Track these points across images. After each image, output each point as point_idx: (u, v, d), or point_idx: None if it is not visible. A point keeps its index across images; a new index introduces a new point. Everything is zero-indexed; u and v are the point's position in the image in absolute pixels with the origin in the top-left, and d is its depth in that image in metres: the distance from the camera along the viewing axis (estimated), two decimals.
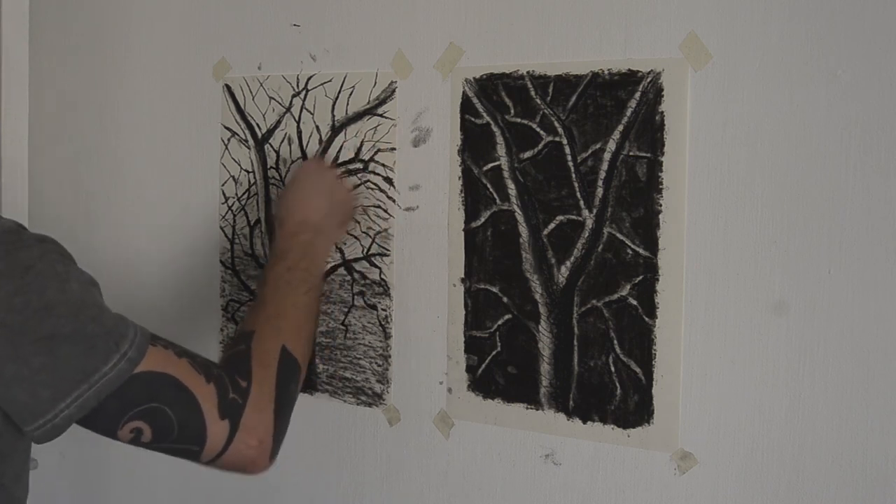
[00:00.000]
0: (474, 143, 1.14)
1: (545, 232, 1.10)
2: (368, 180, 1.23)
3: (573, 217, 1.08)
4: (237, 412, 0.93)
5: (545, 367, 1.11)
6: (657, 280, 1.03)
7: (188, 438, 0.92)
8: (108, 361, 0.87)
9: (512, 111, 1.11)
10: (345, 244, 1.25)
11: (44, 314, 0.84)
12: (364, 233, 1.24)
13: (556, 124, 1.08)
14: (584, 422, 1.09)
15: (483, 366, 1.15)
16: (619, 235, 1.05)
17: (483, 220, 1.14)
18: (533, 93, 1.10)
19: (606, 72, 1.05)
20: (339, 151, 1.24)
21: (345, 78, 1.24)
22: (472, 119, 1.14)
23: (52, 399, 0.85)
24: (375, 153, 1.22)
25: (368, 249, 1.24)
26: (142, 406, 0.89)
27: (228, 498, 1.39)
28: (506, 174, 1.12)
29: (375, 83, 1.22)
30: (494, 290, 1.14)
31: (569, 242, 1.08)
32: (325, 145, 1.26)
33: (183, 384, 0.91)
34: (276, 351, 1.01)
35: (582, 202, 1.07)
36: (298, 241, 1.13)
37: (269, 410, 0.96)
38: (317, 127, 1.26)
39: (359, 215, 1.23)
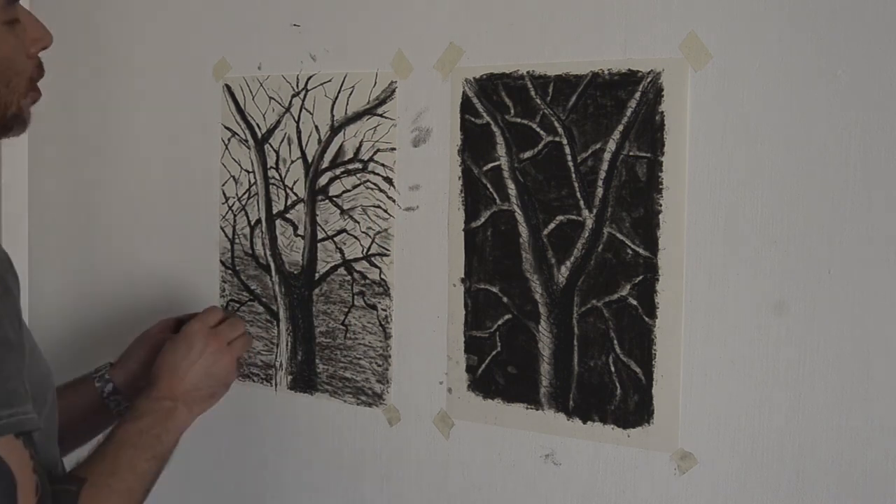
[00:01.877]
0: (474, 143, 1.14)
1: (545, 232, 1.10)
2: (368, 180, 1.23)
3: (573, 217, 1.08)
4: None
5: (545, 367, 1.11)
6: (657, 280, 1.03)
7: None
8: None
9: (512, 111, 1.11)
10: (344, 244, 1.25)
11: None
12: (364, 233, 1.24)
13: (556, 124, 1.08)
14: (584, 422, 1.09)
15: (483, 366, 1.15)
16: (619, 235, 1.05)
17: (483, 220, 1.14)
18: (533, 93, 1.10)
19: (606, 72, 1.05)
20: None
21: (345, 78, 1.24)
22: (472, 119, 1.14)
23: None
24: (375, 153, 1.22)
25: (368, 249, 1.24)
26: None
27: (228, 498, 1.39)
28: (506, 174, 1.12)
29: (375, 83, 1.22)
30: (494, 290, 1.14)
31: (569, 242, 1.08)
32: (324, 143, 1.26)
33: (15, 489, 0.87)
34: None
35: (582, 202, 1.07)
36: (157, 408, 1.09)
37: None
38: (316, 127, 1.26)
39: (359, 215, 1.23)
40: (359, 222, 1.24)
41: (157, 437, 1.07)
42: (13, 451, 0.86)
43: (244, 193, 1.34)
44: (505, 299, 1.13)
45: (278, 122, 1.30)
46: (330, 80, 1.25)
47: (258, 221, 1.33)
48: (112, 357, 1.22)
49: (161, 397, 1.10)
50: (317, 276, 1.28)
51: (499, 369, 1.14)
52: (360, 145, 1.23)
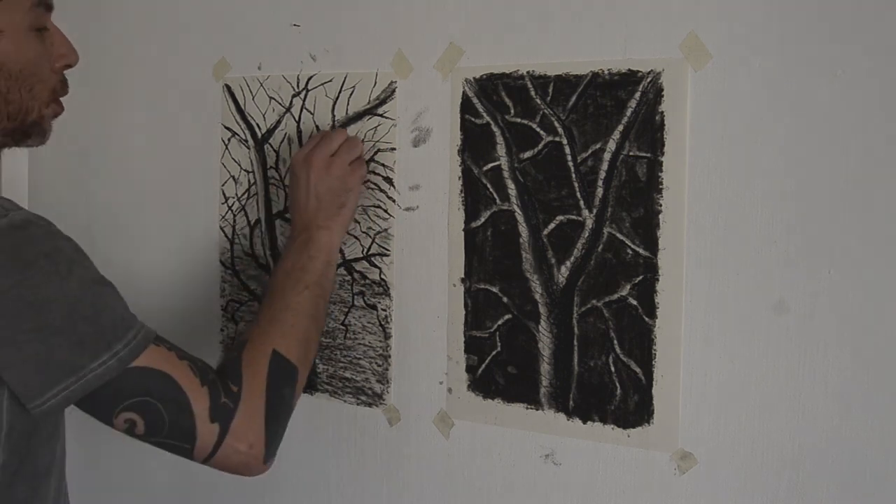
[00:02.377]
0: (474, 143, 1.14)
1: (545, 232, 1.10)
2: (368, 180, 1.23)
3: (573, 217, 1.08)
4: (227, 417, 0.97)
5: (545, 367, 1.11)
6: (657, 280, 1.03)
7: (178, 436, 0.96)
8: (96, 359, 0.91)
9: (512, 111, 1.11)
10: (344, 244, 1.25)
11: (38, 308, 0.89)
12: (364, 233, 1.24)
13: (556, 124, 1.08)
14: (584, 422, 1.09)
15: (483, 366, 1.15)
16: (619, 235, 1.05)
17: (483, 220, 1.14)
18: (533, 93, 1.10)
19: (606, 72, 1.05)
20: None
21: (345, 78, 1.24)
22: (472, 119, 1.14)
23: (41, 386, 0.90)
24: (375, 153, 1.22)
25: (368, 249, 1.24)
26: (134, 399, 0.94)
27: (228, 498, 1.39)
28: (506, 174, 1.12)
29: (375, 83, 1.22)
30: (494, 290, 1.14)
31: (569, 242, 1.08)
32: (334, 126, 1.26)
33: (178, 384, 0.95)
34: (265, 357, 1.03)
35: (582, 202, 1.07)
36: (296, 244, 1.15)
37: (260, 416, 0.99)
38: (317, 127, 1.26)
39: (359, 215, 1.23)
40: (359, 222, 1.24)
41: (302, 269, 1.12)
42: (156, 358, 0.95)
43: (244, 193, 1.34)
44: (505, 299, 1.13)
45: (278, 122, 1.30)
46: (330, 80, 1.25)
47: (258, 221, 1.33)
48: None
49: (295, 235, 1.16)
50: None
51: (499, 369, 1.14)
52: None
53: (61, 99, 1.05)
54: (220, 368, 1.02)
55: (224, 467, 0.99)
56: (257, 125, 1.32)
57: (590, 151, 1.06)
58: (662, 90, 1.02)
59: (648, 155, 1.03)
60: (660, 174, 1.03)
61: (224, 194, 1.36)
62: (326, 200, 1.16)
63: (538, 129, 1.09)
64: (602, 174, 1.06)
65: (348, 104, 1.24)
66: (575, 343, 1.09)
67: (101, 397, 0.92)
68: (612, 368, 1.07)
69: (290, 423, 1.32)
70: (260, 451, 0.99)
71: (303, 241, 1.14)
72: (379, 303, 1.23)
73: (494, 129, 1.12)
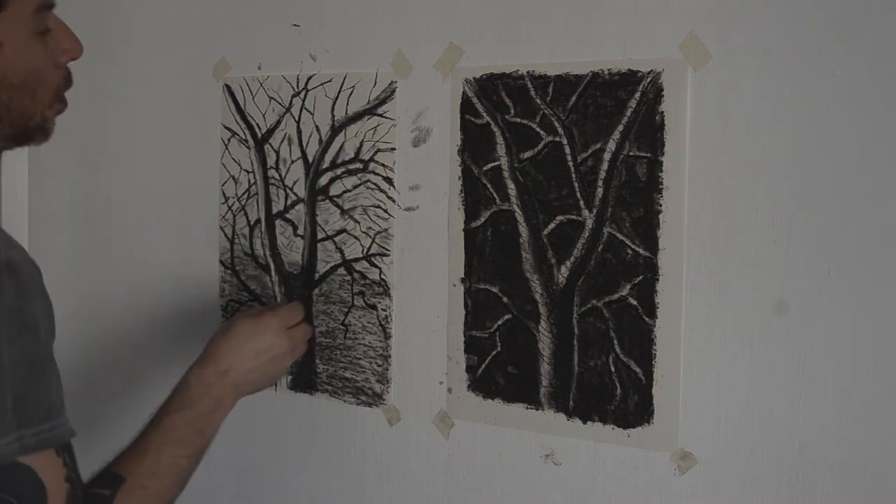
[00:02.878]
0: (474, 143, 1.14)
1: (545, 232, 1.10)
2: (368, 180, 1.23)
3: (573, 217, 1.08)
4: None
5: (545, 367, 1.11)
6: (657, 280, 1.03)
7: None
8: (5, 436, 0.84)
9: (512, 111, 1.11)
10: (344, 244, 1.25)
11: None
12: (364, 233, 1.24)
13: (556, 124, 1.08)
14: (584, 422, 1.09)
15: (483, 366, 1.15)
16: (619, 235, 1.05)
17: (483, 220, 1.14)
18: (533, 93, 1.10)
19: (606, 72, 1.05)
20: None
21: (345, 78, 1.24)
22: (472, 119, 1.14)
23: None
24: (375, 153, 1.22)
25: (368, 249, 1.24)
26: (2, 493, 0.86)
27: (227, 498, 1.39)
28: (506, 174, 1.12)
29: (375, 83, 1.22)
30: (494, 290, 1.14)
31: (569, 242, 1.08)
32: (325, 142, 1.26)
33: (45, 496, 0.87)
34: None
35: (582, 202, 1.07)
36: (210, 395, 1.08)
37: None
38: (317, 127, 1.26)
39: (359, 215, 1.23)
40: (359, 222, 1.24)
41: (200, 431, 1.06)
42: (48, 465, 0.87)
43: (244, 193, 1.34)
44: (505, 299, 1.13)
45: (278, 122, 1.30)
46: (330, 80, 1.25)
47: (258, 221, 1.33)
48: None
49: (215, 383, 1.08)
50: (317, 276, 1.28)
51: (499, 369, 1.14)
52: (361, 145, 1.23)
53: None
54: (90, 498, 0.95)
55: None
56: (257, 125, 1.32)
57: (590, 151, 1.06)
58: (662, 90, 1.02)
59: (648, 155, 1.03)
60: (660, 174, 1.03)
61: (224, 194, 1.36)
62: (261, 378, 1.12)
63: (538, 129, 1.09)
64: (602, 174, 1.06)
65: (348, 104, 1.24)
66: (575, 343, 1.09)
67: None
68: (612, 368, 1.07)
69: (288, 422, 1.33)
70: None
71: (217, 399, 1.07)
72: (379, 303, 1.23)
73: (494, 129, 1.12)
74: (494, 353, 1.14)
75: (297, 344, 1.16)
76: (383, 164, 1.21)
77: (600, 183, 1.06)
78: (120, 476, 0.98)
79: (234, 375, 1.10)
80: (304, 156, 1.28)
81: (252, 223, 1.34)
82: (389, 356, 1.23)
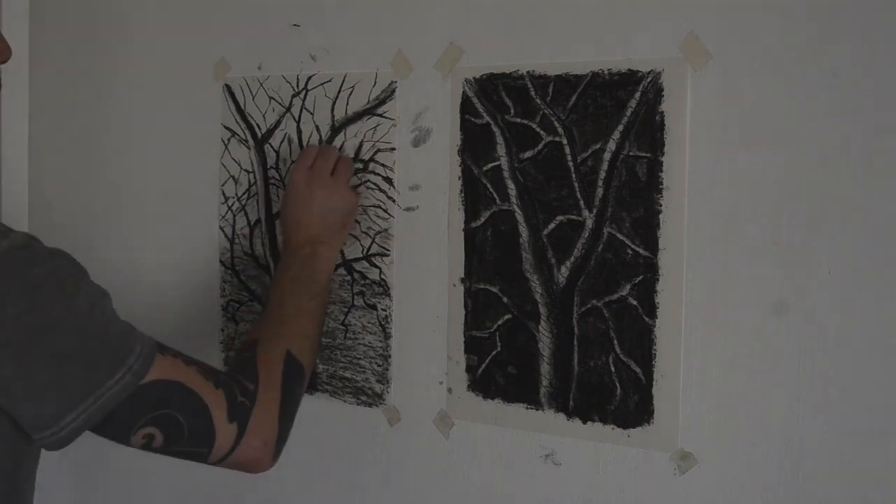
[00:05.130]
0: (474, 143, 1.14)
1: (545, 232, 1.10)
2: (368, 180, 1.23)
3: (573, 217, 1.08)
4: (245, 415, 0.98)
5: (545, 367, 1.11)
6: (657, 280, 1.03)
7: (198, 442, 0.96)
8: (112, 376, 0.90)
9: (512, 111, 1.11)
10: (345, 244, 1.25)
11: (50, 333, 0.87)
12: (364, 233, 1.24)
13: (556, 124, 1.08)
14: (584, 422, 1.09)
15: (483, 366, 1.15)
16: (619, 235, 1.05)
17: (483, 220, 1.14)
18: (533, 93, 1.10)
19: (606, 72, 1.05)
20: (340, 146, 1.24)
21: (345, 78, 1.24)
22: (472, 119, 1.14)
23: (58, 413, 0.88)
24: (375, 153, 1.22)
25: (368, 249, 1.24)
26: (153, 413, 0.93)
27: (228, 498, 1.39)
28: (506, 174, 1.12)
29: (375, 83, 1.22)
30: (494, 290, 1.14)
31: (569, 242, 1.08)
32: (326, 142, 1.26)
33: (192, 390, 0.95)
34: (280, 356, 1.05)
35: (582, 202, 1.07)
36: (300, 255, 1.16)
37: (275, 413, 1.01)
38: (317, 127, 1.26)
39: (359, 215, 1.23)
40: (359, 222, 1.24)
41: (308, 277, 1.14)
42: (168, 365, 0.95)
43: (244, 193, 1.34)
44: (505, 299, 1.13)
45: (278, 122, 1.30)
46: (330, 80, 1.25)
47: (258, 221, 1.33)
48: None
49: (295, 247, 1.16)
50: None
51: (499, 369, 1.14)
52: (361, 145, 1.23)
53: None
54: (234, 367, 1.03)
55: (236, 465, 1.00)
56: (257, 125, 1.32)
57: (590, 151, 1.06)
58: (662, 90, 1.02)
59: (648, 155, 1.03)
60: (660, 174, 1.03)
61: (224, 194, 1.36)
62: (330, 220, 1.18)
63: (538, 129, 1.09)
64: (602, 174, 1.06)
65: (348, 104, 1.24)
66: (575, 343, 1.09)
67: (118, 416, 0.91)
68: (612, 368, 1.07)
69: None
70: (272, 447, 1.00)
71: (307, 253, 1.15)
72: (379, 303, 1.23)
73: (494, 129, 1.12)
74: (494, 353, 1.14)
75: (327, 171, 1.19)
76: (383, 164, 1.21)
77: (600, 183, 1.06)
78: (254, 339, 1.06)
79: (305, 233, 1.17)
80: None
81: (252, 223, 1.34)
82: (389, 356, 1.23)
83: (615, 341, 1.06)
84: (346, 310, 1.26)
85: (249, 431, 0.98)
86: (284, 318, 1.09)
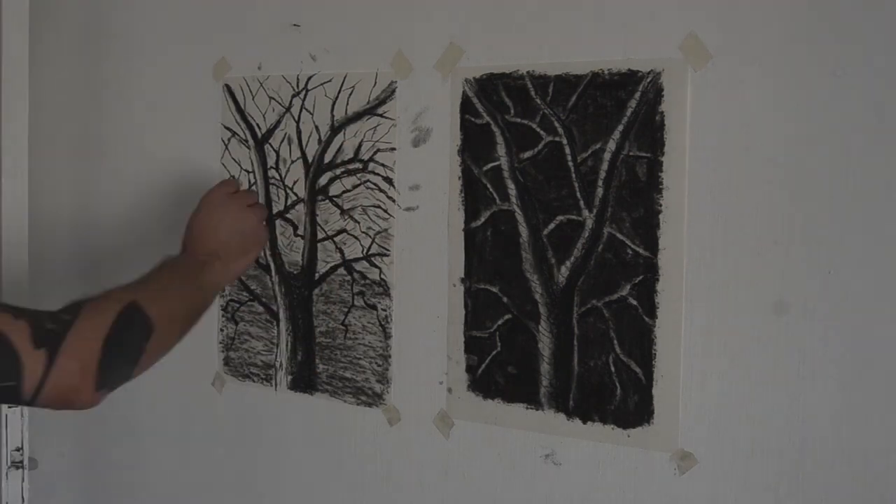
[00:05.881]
0: (474, 143, 1.14)
1: (545, 232, 1.10)
2: (368, 180, 1.23)
3: (573, 217, 1.08)
4: (55, 340, 0.91)
5: (545, 367, 1.11)
6: (657, 280, 1.03)
7: (1, 375, 0.89)
8: None
9: (512, 111, 1.11)
10: (344, 244, 1.25)
11: None
12: (364, 233, 1.24)
13: (556, 124, 1.08)
14: (584, 422, 1.09)
15: (483, 366, 1.15)
16: (619, 235, 1.05)
17: (483, 220, 1.14)
18: (533, 93, 1.10)
19: (606, 72, 1.05)
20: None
21: (345, 78, 1.24)
22: (472, 119, 1.14)
23: None
24: (375, 153, 1.22)
25: (368, 249, 1.24)
26: None
27: (228, 498, 1.39)
28: (506, 174, 1.12)
29: (375, 83, 1.22)
30: (494, 290, 1.14)
31: (569, 242, 1.08)
32: (325, 142, 1.26)
33: None
34: (119, 302, 0.98)
35: (582, 202, 1.07)
36: (193, 261, 1.15)
37: (97, 341, 0.93)
38: (316, 127, 1.26)
39: (359, 215, 1.23)
40: (359, 222, 1.24)
41: (192, 274, 1.11)
42: None
43: None
44: (505, 299, 1.13)
45: (278, 122, 1.30)
46: (330, 80, 1.25)
47: None
48: None
49: (193, 255, 1.15)
50: (317, 276, 1.28)
51: (499, 369, 1.14)
52: (360, 145, 1.23)
53: None
54: (60, 309, 0.96)
55: (55, 397, 0.92)
56: (257, 125, 1.32)
57: (590, 151, 1.06)
58: (662, 90, 1.02)
59: (648, 155, 1.03)
60: (660, 174, 1.03)
61: None
62: (236, 240, 1.19)
63: (538, 129, 1.09)
64: (602, 174, 1.06)
65: (348, 104, 1.24)
66: (575, 343, 1.09)
67: None
68: (612, 368, 1.07)
69: (288, 422, 1.32)
70: (93, 374, 0.92)
71: (201, 262, 1.15)
72: (379, 303, 1.23)
73: (494, 129, 1.12)
74: (494, 353, 1.14)
75: (246, 202, 1.22)
76: (383, 164, 1.21)
77: (600, 183, 1.06)
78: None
79: (206, 245, 1.17)
80: (303, 156, 1.28)
81: None
82: (389, 356, 1.23)
83: (615, 341, 1.06)
84: (346, 310, 1.26)
85: (62, 354, 0.90)
86: (146, 282, 1.04)
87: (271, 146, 1.31)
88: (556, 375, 1.10)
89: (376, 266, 1.23)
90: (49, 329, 0.91)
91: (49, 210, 1.56)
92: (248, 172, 1.33)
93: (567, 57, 1.08)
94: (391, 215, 1.21)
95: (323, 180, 1.27)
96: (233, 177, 1.32)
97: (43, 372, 0.90)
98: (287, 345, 1.32)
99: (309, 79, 1.27)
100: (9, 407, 1.36)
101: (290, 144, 1.29)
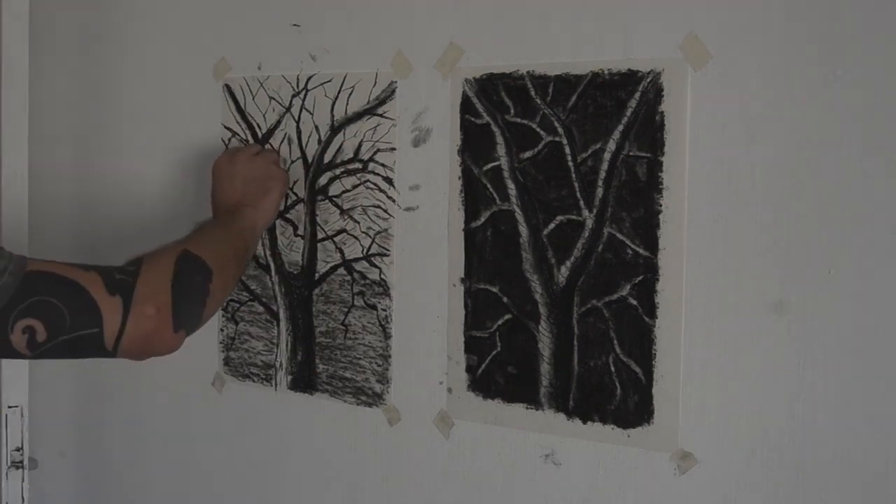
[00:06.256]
0: (474, 143, 1.14)
1: (545, 232, 1.10)
2: (368, 180, 1.23)
3: (573, 217, 1.08)
4: (127, 287, 0.95)
5: (545, 367, 1.11)
6: (657, 280, 1.03)
7: (83, 322, 0.92)
8: None
9: (512, 111, 1.11)
10: (344, 244, 1.25)
11: None
12: (364, 233, 1.24)
13: (556, 124, 1.08)
14: (584, 422, 1.09)
15: (483, 366, 1.15)
16: (619, 235, 1.05)
17: (483, 220, 1.14)
18: (533, 93, 1.10)
19: (606, 72, 1.05)
20: (335, 152, 1.25)
21: (345, 78, 1.24)
22: (472, 119, 1.14)
23: None
24: (375, 153, 1.22)
25: (368, 249, 1.24)
26: (26, 301, 0.90)
27: (228, 498, 1.39)
28: (506, 174, 1.12)
29: (375, 83, 1.22)
30: (494, 290, 1.14)
31: (569, 242, 1.08)
32: (325, 142, 1.26)
33: (62, 276, 0.93)
34: (174, 252, 1.03)
35: (582, 202, 1.07)
36: (224, 215, 1.19)
37: (165, 283, 0.97)
38: (316, 127, 1.26)
39: (359, 215, 1.23)
40: (359, 222, 1.24)
41: (230, 225, 1.15)
42: (38, 263, 0.94)
43: None
44: (505, 299, 1.13)
45: (278, 122, 1.30)
46: (330, 80, 1.25)
47: None
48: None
49: (224, 211, 1.19)
50: (317, 276, 1.28)
51: (499, 369, 1.14)
52: (360, 145, 1.23)
53: None
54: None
55: (136, 342, 0.95)
56: (257, 125, 1.32)
57: (590, 151, 1.06)
58: (662, 90, 1.02)
59: (648, 155, 1.03)
60: (660, 174, 1.03)
61: None
62: (252, 186, 1.21)
63: (538, 129, 1.09)
64: (602, 174, 1.06)
65: (348, 104, 1.24)
66: (575, 343, 1.09)
67: None
68: (612, 368, 1.07)
69: (288, 421, 1.32)
70: (168, 315, 0.96)
71: (231, 212, 1.19)
72: (379, 303, 1.23)
73: (494, 129, 1.12)
74: (494, 353, 1.14)
75: (250, 153, 1.26)
76: (383, 164, 1.21)
77: (600, 183, 1.06)
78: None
79: (228, 201, 1.21)
80: (303, 156, 1.28)
81: None
82: (389, 356, 1.23)
83: (615, 341, 1.06)
84: (346, 310, 1.26)
85: (137, 300, 0.94)
86: (194, 237, 1.10)
87: (271, 146, 1.31)
88: (556, 375, 1.10)
89: (376, 266, 1.23)
90: (119, 279, 0.94)
91: (49, 209, 1.56)
92: None
93: (567, 57, 1.08)
94: (391, 215, 1.21)
95: (323, 180, 1.27)
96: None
97: (122, 318, 0.93)
98: (287, 345, 1.32)
99: (309, 79, 1.27)
100: (8, 408, 1.36)
101: (290, 144, 1.29)
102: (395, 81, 1.20)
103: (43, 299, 0.91)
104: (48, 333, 0.91)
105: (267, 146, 1.30)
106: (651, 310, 1.04)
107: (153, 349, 0.97)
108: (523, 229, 1.11)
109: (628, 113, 1.04)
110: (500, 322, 1.14)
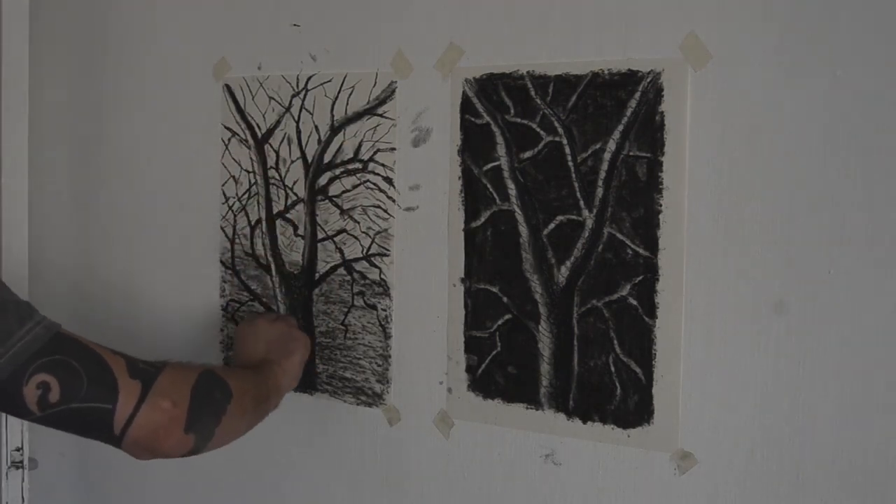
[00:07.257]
0: (474, 143, 1.14)
1: (545, 232, 1.10)
2: (368, 180, 1.23)
3: (573, 217, 1.08)
4: (149, 376, 0.94)
5: (545, 367, 1.11)
6: (657, 280, 1.03)
7: (98, 395, 0.91)
8: (23, 326, 0.89)
9: (512, 111, 1.11)
10: (344, 244, 1.25)
11: None
12: (364, 233, 1.24)
13: (556, 124, 1.08)
14: (584, 422, 1.09)
15: (483, 366, 1.15)
16: (619, 235, 1.05)
17: (483, 220, 1.14)
18: (533, 93, 1.10)
19: (606, 72, 1.05)
20: (336, 152, 1.25)
21: (345, 78, 1.24)
22: (472, 119, 1.14)
23: None
24: (375, 153, 1.22)
25: (368, 249, 1.24)
26: (50, 357, 0.90)
27: (228, 498, 1.39)
28: (506, 174, 1.12)
29: (375, 83, 1.22)
30: (494, 290, 1.14)
31: (569, 242, 1.08)
32: (324, 142, 1.26)
33: (91, 347, 0.93)
34: (199, 366, 1.04)
35: (582, 202, 1.07)
36: (257, 364, 1.18)
37: (186, 386, 0.97)
38: (316, 127, 1.26)
39: (359, 215, 1.23)
40: (359, 222, 1.24)
41: (256, 373, 1.14)
42: (69, 332, 0.94)
43: (244, 193, 1.34)
44: (505, 299, 1.13)
45: (278, 122, 1.30)
46: (330, 80, 1.25)
47: (258, 221, 1.33)
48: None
49: (246, 367, 1.17)
50: (317, 276, 1.28)
51: (499, 369, 1.14)
52: (360, 145, 1.23)
53: None
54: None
55: (145, 434, 0.93)
56: (257, 125, 1.32)
57: (590, 151, 1.06)
58: (662, 90, 1.02)
59: (648, 155, 1.03)
60: (660, 174, 1.03)
61: (224, 194, 1.36)
62: (276, 346, 1.21)
63: (538, 129, 1.09)
64: (602, 174, 1.06)
65: (348, 104, 1.24)
66: (575, 343, 1.09)
67: (13, 364, 0.88)
68: (612, 368, 1.07)
69: (288, 422, 1.32)
70: (182, 414, 0.95)
71: (257, 366, 1.17)
72: (379, 303, 1.23)
73: (494, 129, 1.12)
74: (494, 352, 1.14)
75: (269, 318, 1.27)
76: (383, 164, 1.21)
77: (600, 183, 1.06)
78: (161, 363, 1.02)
79: (253, 357, 1.20)
80: (303, 156, 1.28)
81: (253, 223, 1.34)
82: (389, 356, 1.23)
83: (615, 341, 1.06)
84: (346, 310, 1.26)
85: (156, 391, 0.93)
86: (218, 365, 1.11)
87: (271, 146, 1.31)
88: (556, 375, 1.10)
89: (376, 266, 1.23)
90: (143, 367, 0.95)
91: (49, 209, 1.56)
92: (249, 172, 1.33)
93: (567, 57, 1.08)
94: (391, 215, 1.21)
95: (323, 180, 1.27)
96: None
97: (136, 403, 0.92)
98: None
99: (309, 79, 1.27)
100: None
101: (289, 144, 1.29)
102: (395, 81, 1.20)
103: (66, 360, 0.90)
104: (62, 395, 0.90)
105: (284, 311, 1.31)
106: (651, 310, 1.04)
107: (159, 445, 0.95)
108: (523, 229, 1.11)
109: (628, 113, 1.04)
110: (500, 322, 1.14)
